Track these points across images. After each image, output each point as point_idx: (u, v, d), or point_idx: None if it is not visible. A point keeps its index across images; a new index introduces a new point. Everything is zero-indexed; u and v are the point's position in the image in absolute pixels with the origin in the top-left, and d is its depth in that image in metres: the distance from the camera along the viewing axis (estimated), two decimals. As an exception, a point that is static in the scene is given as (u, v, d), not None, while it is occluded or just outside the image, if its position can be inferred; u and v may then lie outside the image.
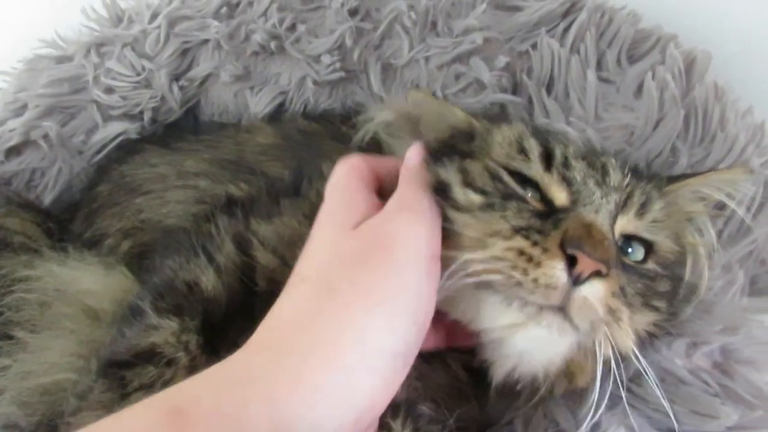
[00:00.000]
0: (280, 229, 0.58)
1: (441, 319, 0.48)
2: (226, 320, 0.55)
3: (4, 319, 0.60)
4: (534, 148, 0.51)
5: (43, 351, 0.57)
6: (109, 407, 0.47)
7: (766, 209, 0.57)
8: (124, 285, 0.63)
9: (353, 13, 0.77)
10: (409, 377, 0.41)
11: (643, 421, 0.47)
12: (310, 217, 0.58)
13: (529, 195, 0.48)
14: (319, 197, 0.61)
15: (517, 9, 0.72)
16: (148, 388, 0.48)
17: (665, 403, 0.45)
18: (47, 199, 0.82)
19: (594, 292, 0.42)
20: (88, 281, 0.63)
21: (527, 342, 0.44)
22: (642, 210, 0.50)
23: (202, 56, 0.83)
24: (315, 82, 0.80)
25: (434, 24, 0.74)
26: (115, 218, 0.75)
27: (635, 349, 0.45)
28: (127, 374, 0.49)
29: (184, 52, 0.83)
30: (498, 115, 0.70)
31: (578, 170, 0.49)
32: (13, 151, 0.80)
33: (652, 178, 0.54)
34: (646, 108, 0.62)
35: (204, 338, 0.52)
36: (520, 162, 0.50)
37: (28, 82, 0.82)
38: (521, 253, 0.42)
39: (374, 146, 0.63)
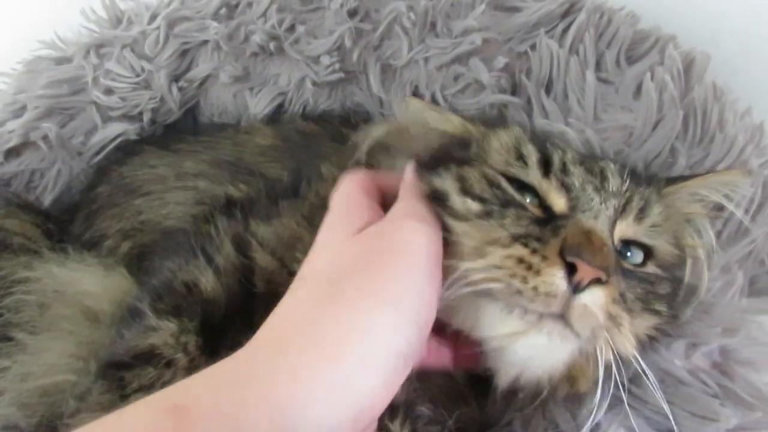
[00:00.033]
0: (279, 231, 0.58)
1: (445, 333, 0.48)
2: (225, 321, 0.55)
3: (4, 320, 0.60)
4: (532, 153, 0.51)
5: (42, 352, 0.57)
6: (108, 409, 0.46)
7: (764, 210, 0.57)
8: (124, 286, 0.63)
9: (352, 13, 0.77)
10: (408, 379, 0.41)
11: (643, 422, 0.47)
12: (308, 218, 0.58)
13: (528, 201, 0.48)
14: (318, 198, 0.62)
15: (516, 10, 0.72)
16: (148, 389, 0.48)
17: (665, 406, 0.45)
18: (47, 201, 0.82)
19: (594, 299, 0.42)
20: (87, 282, 0.63)
21: (529, 349, 0.43)
22: (641, 215, 0.50)
23: (201, 57, 0.83)
24: (314, 83, 0.81)
25: (433, 25, 0.74)
26: (115, 219, 0.75)
27: (637, 354, 0.45)
28: (126, 375, 0.49)
29: (184, 53, 0.83)
30: (495, 120, 0.70)
31: (577, 176, 0.49)
32: (13, 153, 0.80)
33: (651, 180, 0.54)
34: (644, 109, 0.62)
35: (203, 339, 0.52)
36: (518, 168, 0.50)
37: (27, 84, 0.82)
38: (520, 261, 0.42)
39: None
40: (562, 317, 0.42)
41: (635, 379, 0.48)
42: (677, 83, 0.62)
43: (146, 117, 0.83)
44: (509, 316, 0.43)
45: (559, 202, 0.48)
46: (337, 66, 0.79)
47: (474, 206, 0.47)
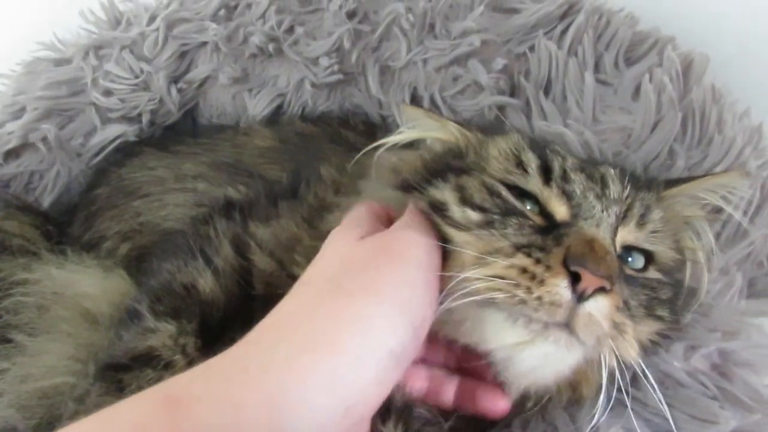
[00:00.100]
0: (278, 232, 0.58)
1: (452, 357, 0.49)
2: (224, 323, 0.55)
3: (3, 322, 0.60)
4: (532, 161, 0.50)
5: (41, 354, 0.57)
6: (106, 411, 0.47)
7: (763, 211, 0.57)
8: (123, 288, 0.63)
9: (351, 15, 0.77)
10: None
11: (642, 424, 0.47)
12: (308, 219, 0.58)
13: (528, 208, 0.48)
14: (317, 200, 0.62)
15: (514, 11, 0.72)
16: (146, 391, 0.48)
17: (664, 408, 0.45)
18: (46, 202, 0.82)
19: (599, 307, 0.42)
20: (86, 284, 0.63)
21: (536, 359, 0.43)
22: (642, 220, 0.50)
23: (200, 58, 0.83)
24: (313, 85, 0.81)
25: (432, 26, 0.74)
26: (114, 221, 0.75)
27: (640, 361, 0.45)
28: (124, 377, 0.49)
29: (183, 55, 0.83)
30: (492, 125, 0.70)
31: (578, 183, 0.49)
32: (12, 154, 0.80)
33: (650, 183, 0.54)
34: (643, 110, 0.62)
35: (202, 341, 0.52)
36: (518, 176, 0.50)
37: (26, 85, 0.82)
38: (524, 271, 0.42)
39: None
40: (567, 326, 0.42)
41: (635, 381, 0.48)
42: (676, 85, 0.62)
43: (145, 118, 0.83)
44: (514, 325, 0.42)
45: (560, 210, 0.48)
46: (335, 67, 0.79)
47: (474, 216, 0.47)
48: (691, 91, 0.61)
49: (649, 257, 0.50)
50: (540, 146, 0.53)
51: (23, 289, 0.62)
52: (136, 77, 0.81)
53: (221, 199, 0.66)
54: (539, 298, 0.41)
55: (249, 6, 0.80)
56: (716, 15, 0.73)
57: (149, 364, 0.50)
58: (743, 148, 0.59)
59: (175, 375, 0.48)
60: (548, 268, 0.42)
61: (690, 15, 0.72)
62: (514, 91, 0.72)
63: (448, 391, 0.49)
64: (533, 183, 0.49)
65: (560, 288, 0.41)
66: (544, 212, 0.48)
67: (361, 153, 0.58)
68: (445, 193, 0.49)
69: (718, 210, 0.56)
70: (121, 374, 0.49)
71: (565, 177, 0.49)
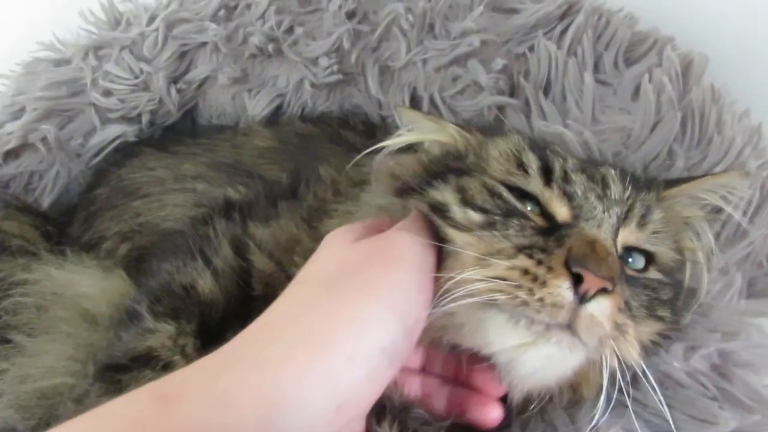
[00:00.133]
0: (277, 233, 0.58)
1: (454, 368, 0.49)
2: (223, 324, 0.55)
3: (2, 322, 0.60)
4: (533, 162, 0.50)
5: (40, 355, 0.57)
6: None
7: (762, 212, 0.57)
8: (122, 288, 0.63)
9: (351, 15, 0.77)
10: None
11: (642, 424, 0.47)
12: (307, 220, 0.58)
13: (529, 209, 0.48)
14: (317, 200, 0.62)
15: (514, 11, 0.72)
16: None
17: (664, 409, 0.45)
18: (45, 202, 0.82)
19: (601, 308, 0.42)
20: (85, 284, 0.63)
21: (539, 360, 0.43)
22: (643, 221, 0.50)
23: (200, 59, 0.83)
24: (313, 85, 0.81)
25: (431, 26, 0.74)
26: (113, 221, 0.75)
27: (641, 361, 0.45)
28: (123, 378, 0.49)
29: (182, 55, 0.83)
30: (492, 126, 0.70)
31: (579, 184, 0.49)
32: (11, 154, 0.80)
33: (651, 184, 0.54)
34: (643, 110, 0.62)
35: (201, 342, 0.52)
36: (519, 177, 0.50)
37: (26, 85, 0.82)
38: (526, 272, 0.42)
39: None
40: (569, 327, 0.42)
41: (634, 382, 0.48)
42: (675, 85, 0.62)
43: (145, 119, 0.83)
44: (516, 327, 0.42)
45: (561, 211, 0.48)
46: (335, 67, 0.79)
47: (476, 217, 0.47)
48: (691, 92, 0.61)
49: (649, 258, 0.50)
50: (540, 147, 0.53)
51: (22, 289, 0.62)
52: (136, 77, 0.81)
53: (221, 199, 0.66)
54: (541, 299, 0.41)
55: (248, 6, 0.80)
56: (716, 15, 0.73)
57: (148, 364, 0.50)
58: (743, 148, 0.59)
59: (173, 375, 0.49)
60: (550, 269, 0.42)
61: (689, 15, 0.72)
62: (513, 91, 0.72)
63: (441, 398, 0.49)
64: (534, 184, 0.49)
65: (562, 289, 0.41)
66: (545, 213, 0.48)
67: (360, 156, 0.58)
68: (445, 194, 0.49)
69: (718, 210, 0.56)
70: (120, 375, 0.50)
71: (566, 178, 0.49)
